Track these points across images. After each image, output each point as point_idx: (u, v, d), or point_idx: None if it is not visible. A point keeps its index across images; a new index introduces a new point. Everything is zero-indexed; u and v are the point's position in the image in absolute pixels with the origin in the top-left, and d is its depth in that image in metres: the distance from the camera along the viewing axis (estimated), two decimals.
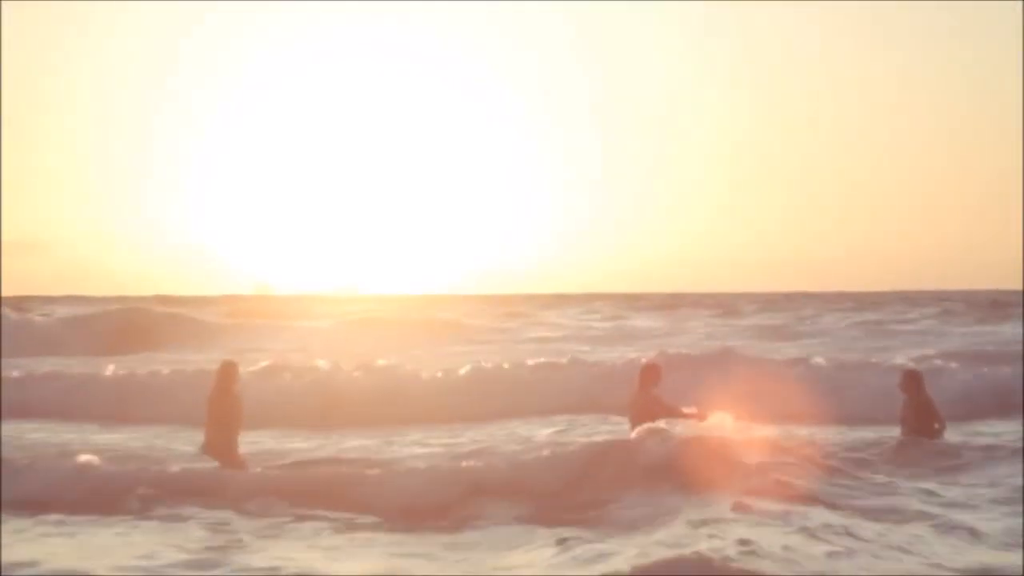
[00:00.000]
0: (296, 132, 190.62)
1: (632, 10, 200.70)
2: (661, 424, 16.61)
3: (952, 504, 13.99)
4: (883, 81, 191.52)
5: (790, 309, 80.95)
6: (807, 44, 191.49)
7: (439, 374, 29.18)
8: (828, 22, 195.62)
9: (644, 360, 21.37)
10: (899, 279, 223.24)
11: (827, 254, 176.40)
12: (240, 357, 21.23)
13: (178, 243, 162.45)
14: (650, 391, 17.43)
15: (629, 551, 11.07)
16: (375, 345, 41.66)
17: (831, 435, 21.10)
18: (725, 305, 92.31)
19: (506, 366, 30.08)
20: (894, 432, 18.71)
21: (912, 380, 18.42)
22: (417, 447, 21.36)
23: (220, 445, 17.00)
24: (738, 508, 12.58)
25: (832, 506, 13.26)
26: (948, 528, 12.49)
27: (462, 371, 29.24)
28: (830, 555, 10.78)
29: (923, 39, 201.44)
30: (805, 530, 11.64)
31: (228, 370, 17.27)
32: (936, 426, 18.18)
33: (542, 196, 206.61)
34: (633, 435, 16.06)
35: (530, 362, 30.44)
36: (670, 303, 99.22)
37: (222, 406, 17.04)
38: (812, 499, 13.42)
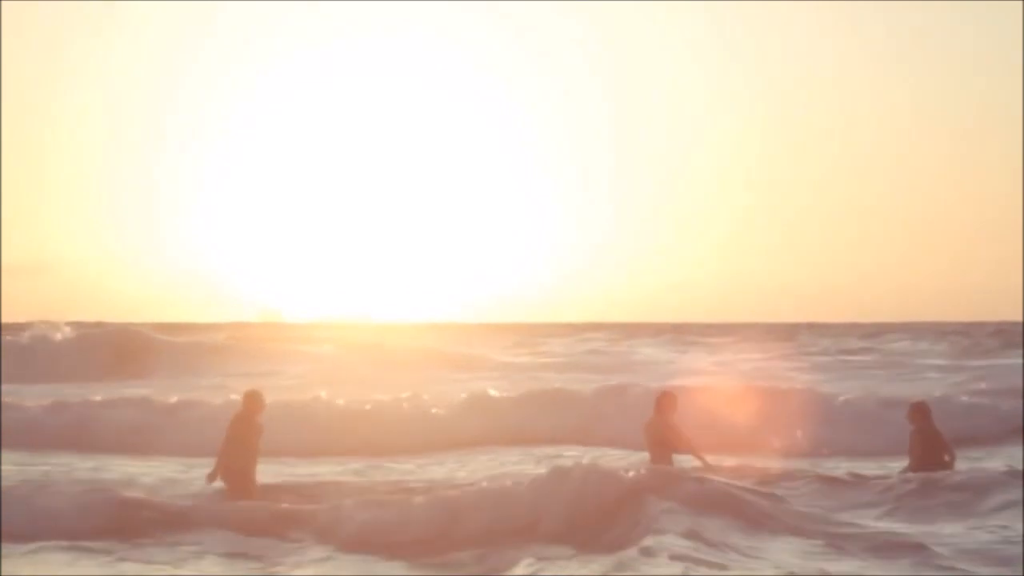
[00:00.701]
0: (306, 157, 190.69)
1: (646, 36, 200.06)
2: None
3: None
4: (894, 100, 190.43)
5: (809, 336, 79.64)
6: (820, 68, 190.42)
7: (410, 404, 28.61)
8: (844, 39, 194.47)
9: (661, 388, 21.35)
10: (904, 310, 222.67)
11: (836, 283, 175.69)
12: (213, 384, 21.31)
13: (185, 268, 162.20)
14: (667, 419, 17.65)
15: None
16: (363, 374, 41.01)
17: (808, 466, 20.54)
18: (736, 334, 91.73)
19: (492, 394, 29.64)
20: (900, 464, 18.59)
21: (919, 411, 18.41)
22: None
23: (237, 472, 17.28)
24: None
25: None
26: None
27: (431, 400, 29.06)
28: None
29: (935, 61, 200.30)
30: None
31: (253, 398, 17.57)
32: (946, 458, 18.06)
33: (554, 223, 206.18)
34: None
35: (513, 393, 29.94)
36: (678, 331, 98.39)
37: (245, 433, 17.34)
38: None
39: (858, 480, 17.03)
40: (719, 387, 29.53)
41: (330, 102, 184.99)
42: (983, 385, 34.53)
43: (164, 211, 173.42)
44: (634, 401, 26.75)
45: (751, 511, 13.53)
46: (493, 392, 29.72)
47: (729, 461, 18.94)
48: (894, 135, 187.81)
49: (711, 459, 17.85)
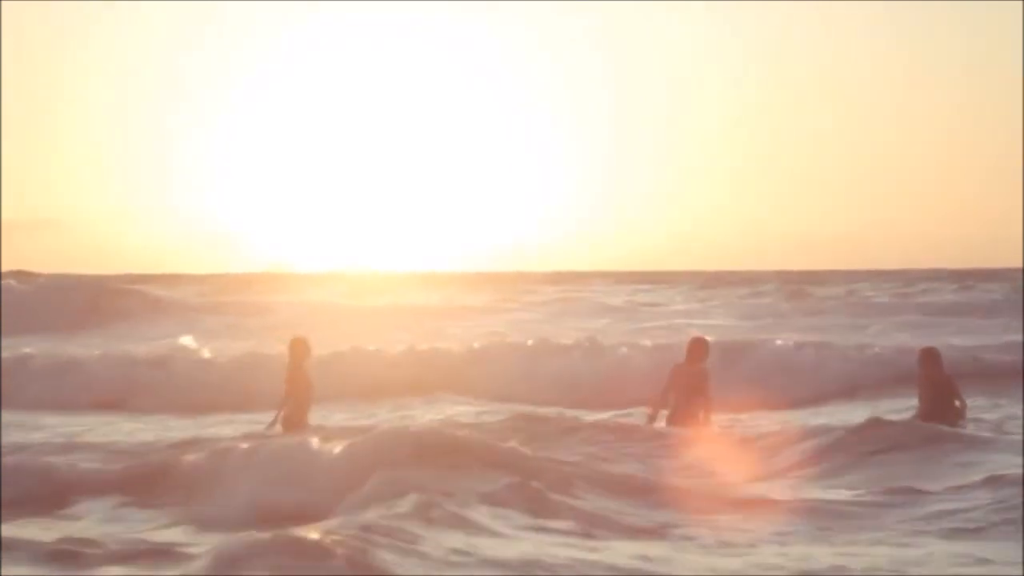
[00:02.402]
0: (311, 111, 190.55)
1: None
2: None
3: None
4: (887, 79, 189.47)
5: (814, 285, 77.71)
6: (813, 38, 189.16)
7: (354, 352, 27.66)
8: (833, 17, 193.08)
9: (693, 334, 20.78)
10: (908, 257, 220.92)
11: (833, 233, 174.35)
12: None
13: (195, 221, 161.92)
14: (698, 365, 17.82)
15: None
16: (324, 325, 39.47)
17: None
18: (750, 282, 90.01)
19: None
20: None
21: (928, 357, 18.35)
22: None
23: (298, 420, 17.71)
24: None
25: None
26: None
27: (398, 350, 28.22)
28: None
29: (925, 38, 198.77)
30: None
31: (299, 347, 18.04)
32: (957, 403, 17.98)
33: (558, 175, 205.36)
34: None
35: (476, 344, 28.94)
36: (686, 280, 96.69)
37: (297, 382, 17.81)
38: None
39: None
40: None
41: (336, 62, 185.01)
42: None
43: (175, 166, 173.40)
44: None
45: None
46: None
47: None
48: (886, 104, 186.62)
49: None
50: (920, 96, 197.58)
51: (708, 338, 18.84)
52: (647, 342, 29.09)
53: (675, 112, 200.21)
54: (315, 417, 18.45)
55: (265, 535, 7.92)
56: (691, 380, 17.72)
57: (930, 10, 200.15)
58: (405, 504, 9.52)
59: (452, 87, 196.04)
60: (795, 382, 25.23)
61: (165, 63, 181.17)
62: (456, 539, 8.87)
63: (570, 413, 20.30)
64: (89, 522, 11.71)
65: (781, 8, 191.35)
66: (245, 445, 13.24)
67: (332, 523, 8.84)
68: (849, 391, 25.18)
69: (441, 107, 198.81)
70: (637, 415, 19.68)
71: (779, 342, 28.28)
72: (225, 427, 20.34)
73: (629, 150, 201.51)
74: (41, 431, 19.89)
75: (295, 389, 17.83)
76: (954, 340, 31.34)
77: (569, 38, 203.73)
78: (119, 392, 25.31)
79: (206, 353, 28.31)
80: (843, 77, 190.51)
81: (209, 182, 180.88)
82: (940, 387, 18.05)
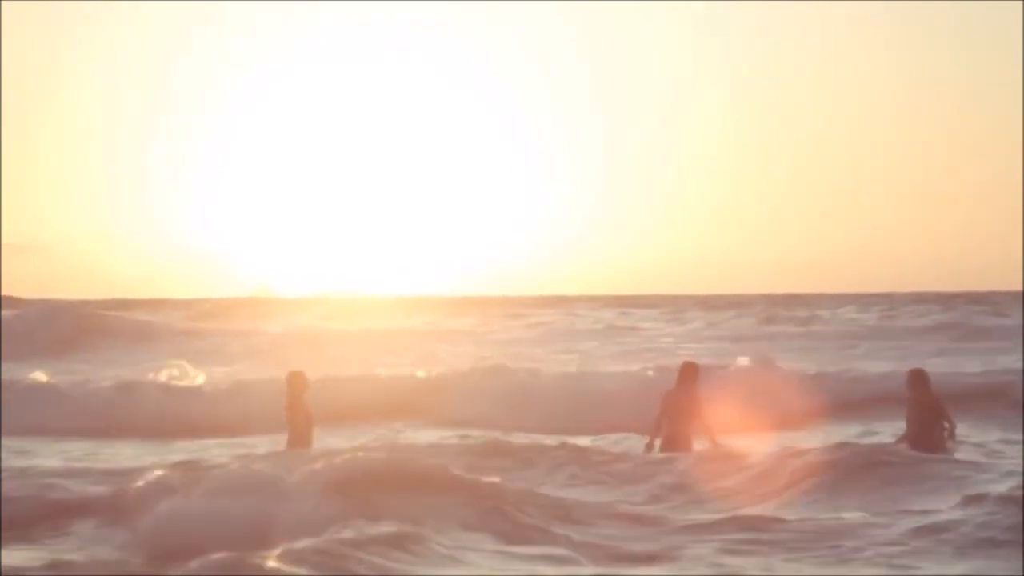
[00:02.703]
0: (296, 133, 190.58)
1: (631, 9, 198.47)
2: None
3: None
4: (884, 81, 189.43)
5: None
6: (806, 42, 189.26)
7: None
8: (828, 20, 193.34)
9: (683, 359, 20.43)
10: (899, 280, 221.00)
11: (825, 254, 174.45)
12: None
13: (180, 245, 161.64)
14: (690, 389, 17.84)
15: None
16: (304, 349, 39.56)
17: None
18: (734, 306, 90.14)
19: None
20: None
21: (916, 378, 18.09)
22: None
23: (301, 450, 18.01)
24: None
25: None
26: None
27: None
28: None
29: (923, 39, 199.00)
30: None
31: (297, 380, 18.29)
32: (946, 425, 17.77)
33: (545, 198, 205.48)
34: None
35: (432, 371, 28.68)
36: (669, 303, 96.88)
37: (296, 412, 18.14)
38: None
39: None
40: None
41: (319, 81, 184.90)
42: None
43: (159, 191, 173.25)
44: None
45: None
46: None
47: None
48: (883, 106, 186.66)
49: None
50: (907, 116, 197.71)
51: (696, 363, 18.72)
52: (632, 367, 29.10)
53: (661, 136, 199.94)
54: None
55: (229, 558, 7.93)
56: (682, 405, 17.77)
57: (925, 20, 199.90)
58: (373, 529, 9.53)
59: (434, 109, 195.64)
60: (779, 404, 25.17)
61: (149, 86, 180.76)
62: (426, 566, 8.87)
63: (549, 440, 20.27)
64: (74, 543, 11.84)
65: (774, 28, 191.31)
66: (215, 470, 13.25)
67: (297, 546, 8.86)
68: (834, 412, 25.24)
69: (424, 131, 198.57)
70: (621, 440, 19.72)
71: (758, 364, 28.33)
72: (207, 452, 20.42)
73: (615, 174, 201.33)
74: (27, 456, 19.95)
75: (294, 419, 18.20)
76: (937, 361, 31.45)
77: (557, 62, 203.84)
78: (102, 418, 25.28)
79: (193, 379, 28.30)
80: (832, 98, 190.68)
81: (195, 204, 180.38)
82: (928, 409, 17.85)
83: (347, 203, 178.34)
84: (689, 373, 18.02)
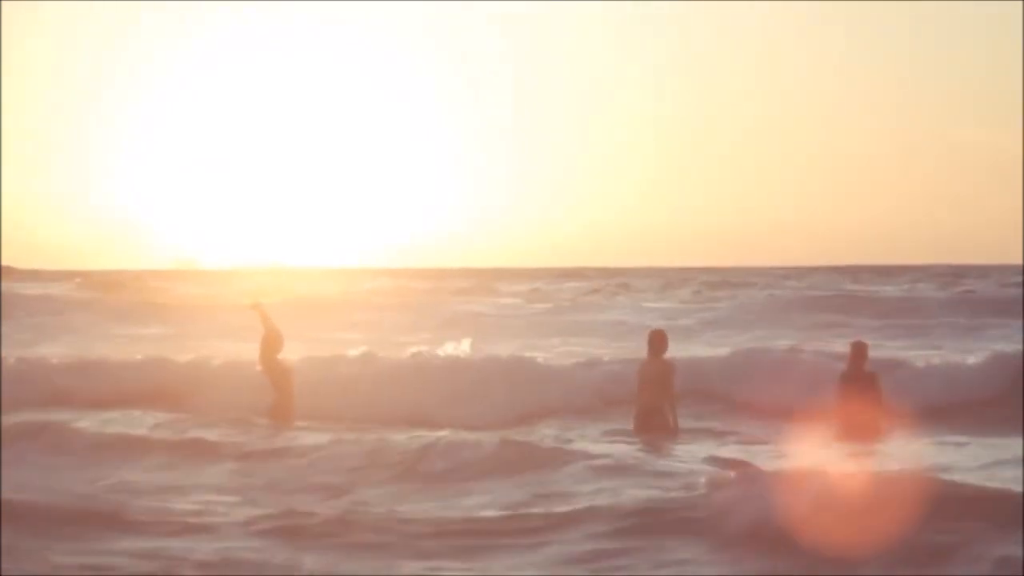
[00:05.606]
0: (224, 106, 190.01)
1: None
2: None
3: None
4: (873, 83, 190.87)
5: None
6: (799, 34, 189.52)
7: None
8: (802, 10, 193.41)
9: (653, 328, 19.87)
10: (837, 254, 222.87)
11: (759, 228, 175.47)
12: None
13: (104, 216, 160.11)
14: (661, 357, 17.83)
15: None
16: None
17: None
18: (668, 278, 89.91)
19: None
20: None
21: (857, 350, 18.14)
22: None
23: (285, 410, 19.42)
24: None
25: None
26: None
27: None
28: None
29: (921, 37, 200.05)
30: None
31: (271, 341, 19.57)
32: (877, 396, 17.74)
33: (467, 172, 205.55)
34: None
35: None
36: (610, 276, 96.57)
37: (274, 372, 19.55)
38: None
39: None
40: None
41: (243, 54, 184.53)
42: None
43: (86, 161, 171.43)
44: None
45: None
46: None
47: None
48: (873, 104, 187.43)
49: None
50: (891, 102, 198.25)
51: (664, 331, 18.49)
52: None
53: (589, 108, 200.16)
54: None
55: None
56: (649, 374, 17.78)
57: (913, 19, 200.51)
58: None
59: (357, 82, 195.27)
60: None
61: (71, 60, 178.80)
62: None
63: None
64: None
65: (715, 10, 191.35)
66: None
67: None
68: None
69: (343, 104, 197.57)
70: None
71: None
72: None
73: (543, 145, 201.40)
74: None
75: (275, 379, 19.51)
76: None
77: (475, 34, 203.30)
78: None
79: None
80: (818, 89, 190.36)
81: (114, 175, 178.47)
82: (863, 382, 17.88)
83: (268, 177, 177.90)
84: (659, 340, 17.94)
